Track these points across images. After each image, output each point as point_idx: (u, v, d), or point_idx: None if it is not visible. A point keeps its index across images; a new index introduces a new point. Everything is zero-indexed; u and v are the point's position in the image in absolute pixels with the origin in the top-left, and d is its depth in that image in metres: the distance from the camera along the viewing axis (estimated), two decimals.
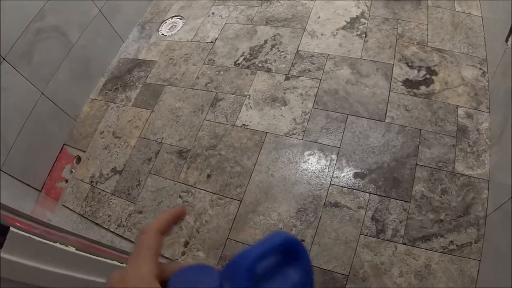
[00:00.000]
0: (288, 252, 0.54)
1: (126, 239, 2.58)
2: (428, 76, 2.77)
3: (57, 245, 1.02)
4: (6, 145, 2.59)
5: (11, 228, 0.89)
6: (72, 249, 1.04)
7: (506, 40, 2.38)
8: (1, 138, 2.50)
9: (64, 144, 3.12)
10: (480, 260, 2.12)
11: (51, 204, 2.86)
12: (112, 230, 2.64)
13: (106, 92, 3.32)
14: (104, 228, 2.66)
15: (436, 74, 2.77)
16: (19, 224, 0.96)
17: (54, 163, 3.06)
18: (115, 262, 1.27)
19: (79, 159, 3.02)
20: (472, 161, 2.42)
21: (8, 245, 0.88)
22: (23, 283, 0.94)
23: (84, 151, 3.03)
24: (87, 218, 2.73)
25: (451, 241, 2.19)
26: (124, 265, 1.32)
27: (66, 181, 2.95)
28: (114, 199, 2.75)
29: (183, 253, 2.44)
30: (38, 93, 2.79)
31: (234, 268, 0.50)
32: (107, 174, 2.87)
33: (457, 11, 3.10)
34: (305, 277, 0.56)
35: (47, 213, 2.80)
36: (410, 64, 2.84)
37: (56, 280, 0.99)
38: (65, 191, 2.90)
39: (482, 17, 3.03)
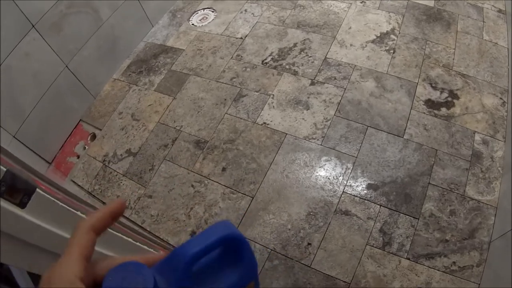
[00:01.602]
0: (230, 248, 0.53)
1: (132, 221, 2.59)
2: (450, 99, 2.80)
3: (78, 213, 1.04)
4: (22, 112, 2.62)
5: (37, 190, 0.90)
6: None
7: None
8: None
9: (80, 120, 3.13)
10: (479, 284, 2.14)
11: (60, 177, 2.86)
12: None
13: (130, 74, 3.34)
14: None
15: (458, 98, 2.80)
16: (44, 187, 0.97)
17: (68, 137, 3.06)
18: (130, 239, 1.28)
19: (94, 136, 3.03)
20: (483, 186, 2.45)
21: (31, 206, 0.88)
22: (40, 247, 0.95)
23: (100, 129, 3.04)
24: (94, 196, 2.74)
25: (454, 262, 2.22)
26: (138, 243, 1.35)
27: (78, 156, 2.96)
28: (125, 181, 2.77)
29: None
30: (62, 65, 2.81)
31: (171, 265, 0.48)
32: (121, 155, 2.88)
33: (485, 40, 3.13)
34: (246, 277, 0.55)
35: None
36: (433, 85, 2.87)
37: None
38: (75, 167, 2.91)
39: (508, 48, 3.06)
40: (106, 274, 0.45)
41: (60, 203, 0.95)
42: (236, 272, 0.54)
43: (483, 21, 3.28)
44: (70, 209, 0.99)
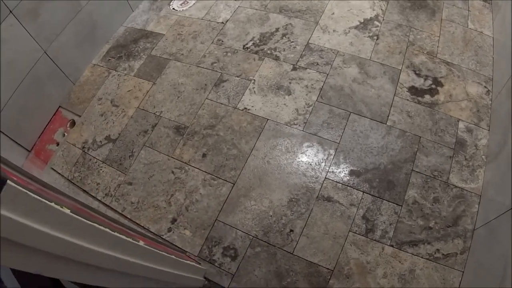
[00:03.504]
0: None
1: (112, 209, 2.56)
2: (433, 86, 2.78)
3: (53, 204, 0.99)
4: (0, 100, 2.55)
5: (8, 182, 0.86)
6: (67, 211, 1.01)
7: None
8: None
9: (59, 107, 3.07)
10: (463, 272, 2.13)
11: (40, 165, 2.82)
12: (99, 198, 2.61)
13: (109, 59, 3.28)
14: (91, 195, 2.63)
15: (441, 85, 2.78)
16: (15, 178, 0.93)
17: (47, 124, 3.01)
18: (107, 230, 1.24)
19: (73, 123, 2.98)
20: (467, 174, 2.43)
21: (2, 198, 0.84)
22: (12, 241, 0.91)
23: (80, 116, 2.99)
24: (75, 184, 2.70)
25: (437, 249, 2.20)
26: (115, 233, 1.31)
27: (57, 144, 2.91)
28: (105, 168, 2.72)
29: (169, 230, 2.43)
30: (40, 52, 2.75)
31: None
32: (100, 141, 2.83)
33: (470, 28, 3.11)
34: None
35: (34, 174, 2.75)
36: (417, 72, 2.85)
37: (48, 242, 0.95)
38: (55, 154, 2.86)
39: (493, 37, 3.05)
40: None
41: (33, 195, 0.90)
42: None
43: (468, 10, 3.26)
44: (44, 200, 0.94)
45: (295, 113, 2.73)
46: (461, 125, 2.60)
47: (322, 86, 2.83)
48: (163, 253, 1.58)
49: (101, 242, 1.16)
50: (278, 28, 3.21)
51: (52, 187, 1.23)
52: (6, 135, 2.63)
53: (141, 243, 1.40)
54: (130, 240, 1.32)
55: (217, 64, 3.06)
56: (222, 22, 3.34)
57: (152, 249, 1.47)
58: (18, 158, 2.75)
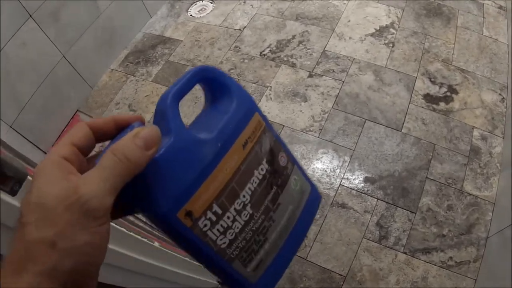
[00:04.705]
0: (214, 85, 0.54)
1: (135, 216, 2.57)
2: (448, 93, 2.79)
3: None
4: (20, 103, 2.58)
5: (28, 177, 0.88)
6: None
7: None
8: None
9: (77, 110, 3.09)
10: (476, 280, 2.14)
11: None
12: None
13: (127, 65, 3.31)
14: None
15: (456, 93, 2.79)
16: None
17: (65, 127, 3.02)
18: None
19: None
20: (481, 182, 2.44)
21: (23, 194, 0.86)
22: None
23: None
24: None
25: (451, 257, 2.21)
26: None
27: None
28: None
29: None
30: (59, 56, 2.78)
31: (157, 114, 0.48)
32: None
33: (485, 35, 3.12)
34: (244, 107, 0.54)
35: None
36: (432, 79, 2.86)
37: None
38: None
39: (508, 45, 3.05)
40: (115, 138, 0.48)
41: None
42: (230, 106, 0.53)
43: (483, 17, 3.26)
44: None
45: (311, 119, 2.75)
46: (475, 132, 2.61)
47: (338, 93, 2.85)
48: (177, 254, 1.60)
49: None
50: (295, 35, 3.23)
51: None
52: (24, 136, 2.65)
53: (156, 244, 1.42)
54: (146, 240, 1.34)
55: (234, 70, 3.08)
56: (239, 29, 3.36)
57: (167, 250, 1.49)
58: (34, 160, 2.77)
